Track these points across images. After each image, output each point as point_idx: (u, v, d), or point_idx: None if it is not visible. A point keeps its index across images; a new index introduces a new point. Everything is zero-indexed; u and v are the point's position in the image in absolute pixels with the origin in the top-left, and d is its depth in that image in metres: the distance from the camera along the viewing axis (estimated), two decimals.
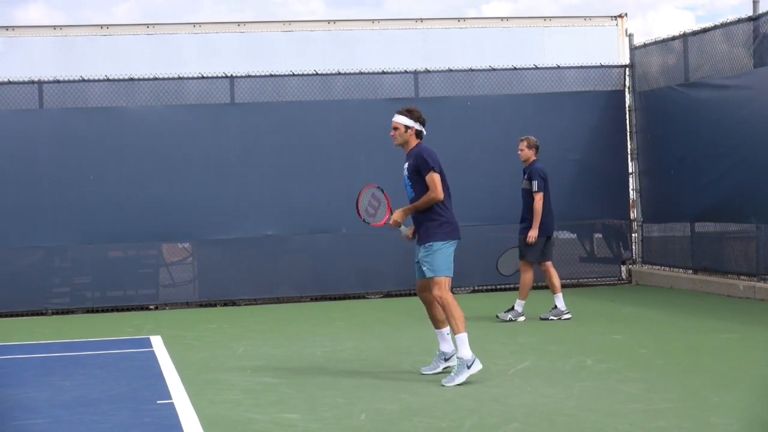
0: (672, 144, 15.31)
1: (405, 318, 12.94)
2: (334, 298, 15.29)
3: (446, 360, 8.97)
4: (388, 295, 15.36)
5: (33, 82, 14.74)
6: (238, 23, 15.92)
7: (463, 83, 15.79)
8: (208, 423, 7.38)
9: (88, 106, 14.85)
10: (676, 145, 15.22)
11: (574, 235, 16.36)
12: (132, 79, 14.94)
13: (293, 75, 15.37)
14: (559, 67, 16.06)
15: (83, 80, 14.83)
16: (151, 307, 14.96)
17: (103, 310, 14.78)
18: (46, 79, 14.75)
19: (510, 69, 15.90)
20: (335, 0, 40.99)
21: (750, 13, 13.59)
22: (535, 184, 12.16)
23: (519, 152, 12.38)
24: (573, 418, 7.25)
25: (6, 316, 14.35)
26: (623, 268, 16.36)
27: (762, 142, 13.36)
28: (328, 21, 16.14)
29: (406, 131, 8.87)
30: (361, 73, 15.52)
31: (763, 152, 13.34)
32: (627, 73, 16.34)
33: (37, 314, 14.52)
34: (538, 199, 12.17)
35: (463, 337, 8.56)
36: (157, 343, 11.33)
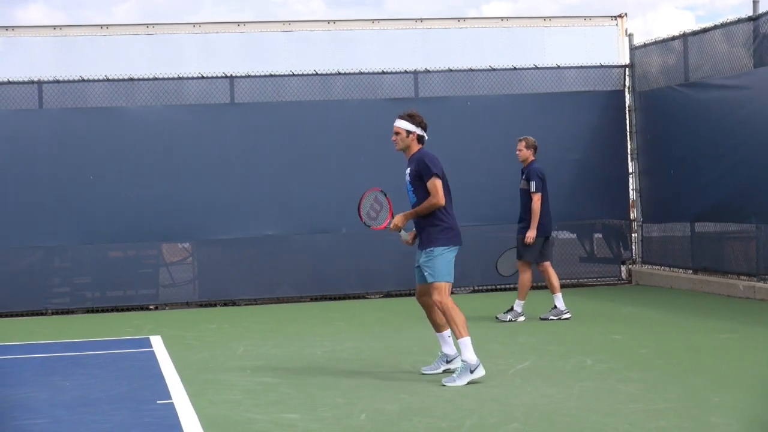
0: (672, 144, 15.31)
1: (405, 318, 12.94)
2: (334, 298, 15.28)
3: (448, 362, 8.96)
4: (388, 295, 15.36)
5: (33, 82, 14.73)
6: (238, 23, 15.92)
7: (463, 83, 15.78)
8: (208, 423, 7.38)
9: (88, 106, 14.84)
10: (676, 145, 15.22)
11: (574, 235, 16.36)
12: (132, 79, 14.93)
13: (293, 75, 15.36)
14: (559, 67, 16.05)
15: (83, 80, 14.82)
16: (151, 307, 14.96)
17: (103, 310, 14.78)
18: (45, 79, 14.75)
19: (510, 69, 15.89)
20: (335, 0, 41.01)
21: (750, 13, 13.59)
22: (533, 184, 12.16)
23: (517, 152, 12.38)
24: (573, 418, 7.25)
25: (6, 316, 14.35)
26: (623, 268, 16.35)
27: (762, 142, 13.35)
28: (328, 21, 16.14)
29: (407, 136, 8.86)
30: (361, 73, 15.51)
31: (763, 152, 13.34)
32: (627, 73, 16.34)
33: (37, 314, 14.52)
34: (536, 200, 12.16)
35: (466, 341, 8.54)
36: (157, 343, 11.33)
